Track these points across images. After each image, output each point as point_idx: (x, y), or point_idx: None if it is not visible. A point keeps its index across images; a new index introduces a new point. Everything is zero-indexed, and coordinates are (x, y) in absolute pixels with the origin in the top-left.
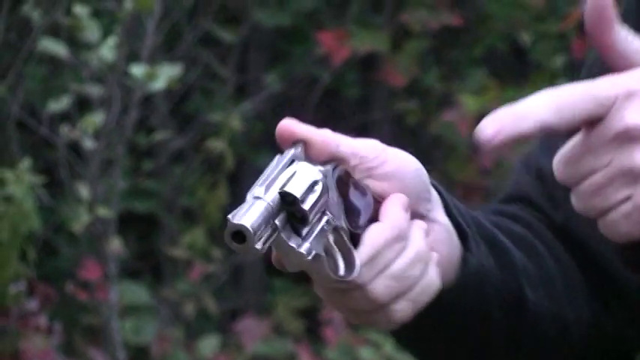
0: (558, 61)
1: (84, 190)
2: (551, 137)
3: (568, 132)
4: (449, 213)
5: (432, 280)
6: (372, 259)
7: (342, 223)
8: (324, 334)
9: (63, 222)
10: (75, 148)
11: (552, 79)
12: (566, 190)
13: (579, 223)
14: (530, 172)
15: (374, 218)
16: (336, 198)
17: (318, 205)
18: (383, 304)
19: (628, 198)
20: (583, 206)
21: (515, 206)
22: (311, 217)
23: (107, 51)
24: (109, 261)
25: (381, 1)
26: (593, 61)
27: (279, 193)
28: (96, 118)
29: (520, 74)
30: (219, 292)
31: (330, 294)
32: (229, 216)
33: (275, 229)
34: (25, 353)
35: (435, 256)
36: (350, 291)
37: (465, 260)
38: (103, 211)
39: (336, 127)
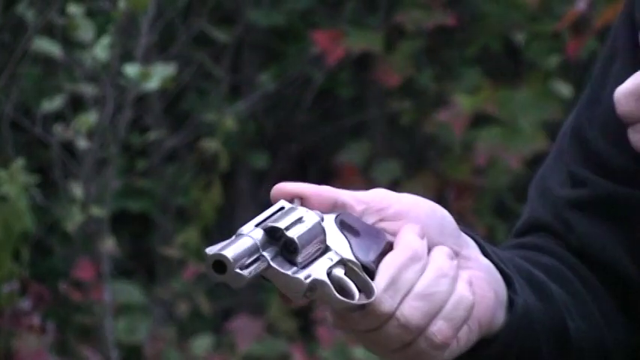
0: (552, 61)
1: (77, 190)
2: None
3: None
4: (486, 255)
5: (462, 294)
6: (391, 284)
7: (351, 256)
8: (318, 333)
9: (56, 221)
10: (69, 147)
11: (546, 79)
12: (579, 210)
13: (593, 244)
14: (544, 195)
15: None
16: (340, 238)
17: (310, 235)
18: (418, 327)
19: None
20: None
21: (533, 236)
22: (300, 244)
23: (101, 50)
24: (103, 260)
25: (376, 1)
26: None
27: (263, 229)
28: (90, 118)
29: (514, 74)
30: (213, 291)
31: (370, 338)
32: (207, 249)
33: (263, 259)
34: (18, 353)
35: (465, 275)
36: (383, 327)
37: (511, 301)
38: (96, 211)
39: (330, 127)
